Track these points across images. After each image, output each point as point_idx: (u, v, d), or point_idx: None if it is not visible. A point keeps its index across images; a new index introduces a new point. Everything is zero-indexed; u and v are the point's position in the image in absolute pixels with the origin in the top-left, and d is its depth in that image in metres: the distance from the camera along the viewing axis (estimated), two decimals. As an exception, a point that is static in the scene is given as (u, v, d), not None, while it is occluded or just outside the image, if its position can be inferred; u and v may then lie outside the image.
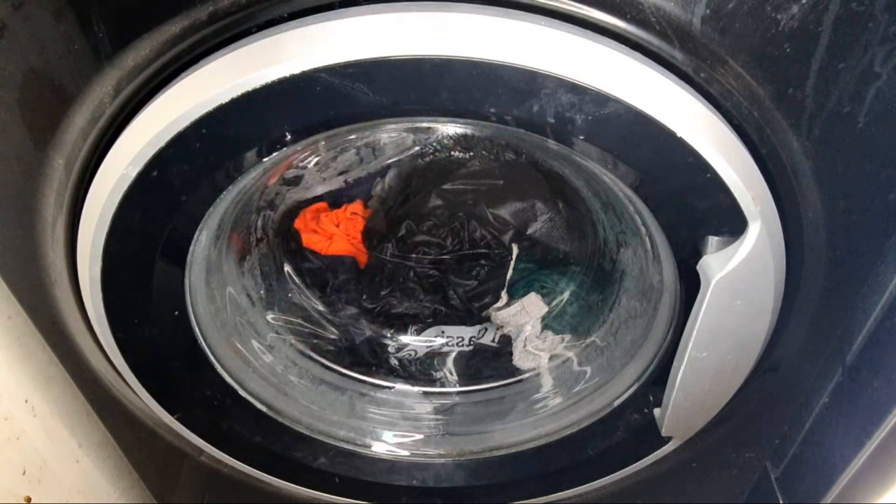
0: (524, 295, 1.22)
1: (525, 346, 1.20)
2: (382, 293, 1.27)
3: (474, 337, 1.27)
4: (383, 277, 1.28)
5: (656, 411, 0.94)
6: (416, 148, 1.23)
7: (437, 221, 1.28)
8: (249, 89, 0.63)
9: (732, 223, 0.71)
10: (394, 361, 1.25)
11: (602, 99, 0.63)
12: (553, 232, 1.27)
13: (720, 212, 0.70)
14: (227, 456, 1.04)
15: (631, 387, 0.99)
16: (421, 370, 1.24)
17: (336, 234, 1.26)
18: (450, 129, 1.19)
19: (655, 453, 1.03)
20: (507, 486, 1.11)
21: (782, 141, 0.69)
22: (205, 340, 0.91)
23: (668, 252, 0.80)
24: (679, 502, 1.15)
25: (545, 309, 1.21)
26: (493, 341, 1.26)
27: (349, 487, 1.11)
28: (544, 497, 1.12)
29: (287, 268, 1.25)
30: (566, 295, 1.23)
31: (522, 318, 1.21)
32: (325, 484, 1.11)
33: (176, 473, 1.12)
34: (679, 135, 0.65)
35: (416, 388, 1.21)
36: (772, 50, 0.63)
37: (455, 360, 1.25)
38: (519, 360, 1.20)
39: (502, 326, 1.25)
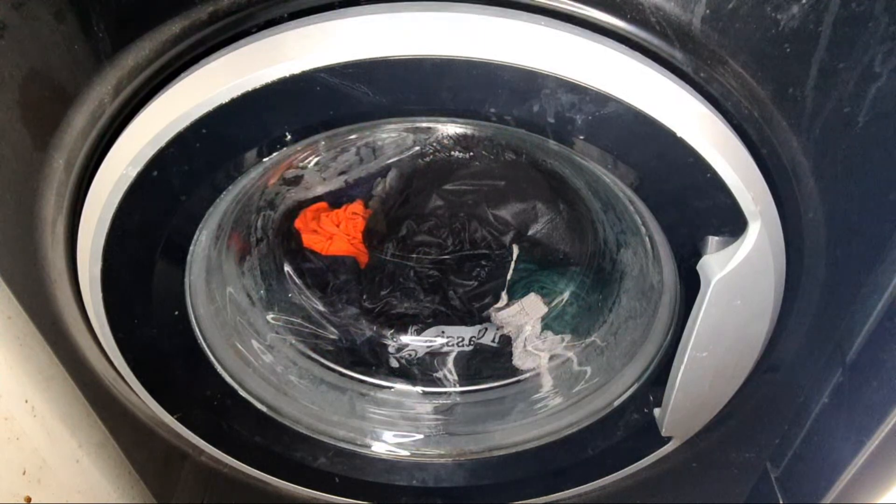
0: (524, 295, 1.22)
1: (525, 346, 1.20)
2: (383, 293, 1.27)
3: (474, 337, 1.27)
4: (384, 278, 1.28)
5: (656, 411, 0.94)
6: (416, 148, 1.23)
7: (437, 222, 1.28)
8: (249, 89, 0.63)
9: (732, 223, 0.71)
10: (394, 361, 1.25)
11: (602, 99, 0.63)
12: (553, 232, 1.27)
13: (720, 212, 0.70)
14: (227, 456, 1.04)
15: (631, 387, 0.99)
16: (421, 370, 1.24)
17: (336, 235, 1.26)
18: (450, 129, 1.19)
19: (655, 453, 1.03)
20: (507, 486, 1.11)
21: (782, 141, 0.69)
22: (205, 340, 0.91)
23: (668, 252, 0.80)
24: (679, 502, 1.15)
25: (545, 309, 1.21)
26: (493, 341, 1.26)
27: (349, 487, 1.11)
28: (544, 497, 1.12)
29: (287, 268, 1.25)
30: (566, 295, 1.23)
31: (522, 318, 1.21)
32: (325, 484, 1.11)
33: (176, 473, 1.12)
34: (679, 135, 0.65)
35: (416, 388, 1.21)
36: (772, 50, 0.63)
37: (455, 360, 1.25)
38: (519, 360, 1.20)
39: (502, 327, 1.25)
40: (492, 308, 1.25)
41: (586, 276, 1.23)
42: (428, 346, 1.27)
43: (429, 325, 1.28)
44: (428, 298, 1.28)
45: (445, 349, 1.26)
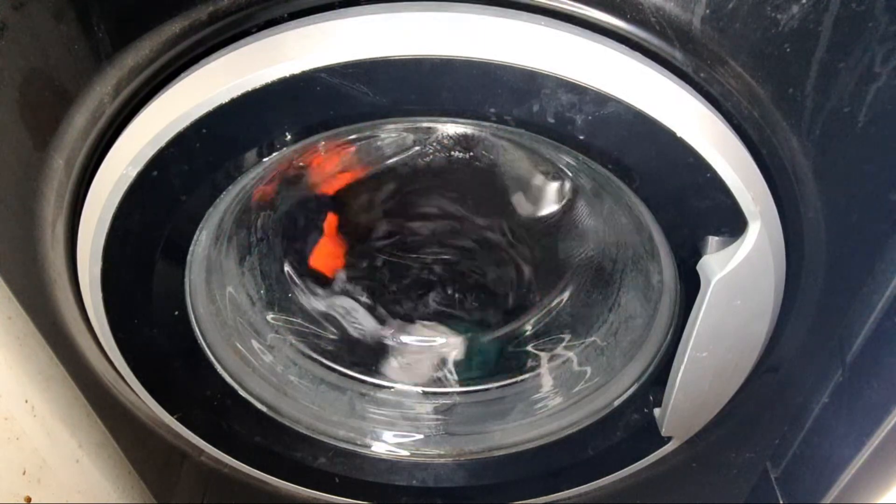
0: (524, 295, 1.22)
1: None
2: (384, 294, 1.27)
3: (475, 337, 1.27)
4: (384, 278, 1.28)
5: (656, 411, 0.94)
6: (416, 148, 1.23)
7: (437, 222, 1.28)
8: (249, 89, 0.63)
9: (732, 223, 0.71)
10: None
11: (602, 99, 0.63)
12: (553, 232, 1.27)
13: (720, 212, 0.70)
14: (227, 456, 1.04)
15: (631, 387, 0.99)
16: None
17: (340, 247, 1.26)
18: (450, 129, 1.19)
19: (655, 453, 1.03)
20: (507, 486, 1.11)
21: (782, 141, 0.69)
22: (205, 340, 0.91)
23: (668, 252, 0.80)
24: (679, 502, 1.15)
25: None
26: (493, 341, 1.26)
27: (349, 487, 1.11)
28: (544, 497, 1.12)
29: (287, 268, 1.24)
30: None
31: (522, 318, 1.21)
32: (325, 484, 1.11)
33: (176, 473, 1.12)
34: (679, 135, 0.64)
35: (416, 388, 1.21)
36: (772, 50, 0.63)
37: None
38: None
39: (502, 326, 1.25)
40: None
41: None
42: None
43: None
44: (429, 298, 1.28)
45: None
